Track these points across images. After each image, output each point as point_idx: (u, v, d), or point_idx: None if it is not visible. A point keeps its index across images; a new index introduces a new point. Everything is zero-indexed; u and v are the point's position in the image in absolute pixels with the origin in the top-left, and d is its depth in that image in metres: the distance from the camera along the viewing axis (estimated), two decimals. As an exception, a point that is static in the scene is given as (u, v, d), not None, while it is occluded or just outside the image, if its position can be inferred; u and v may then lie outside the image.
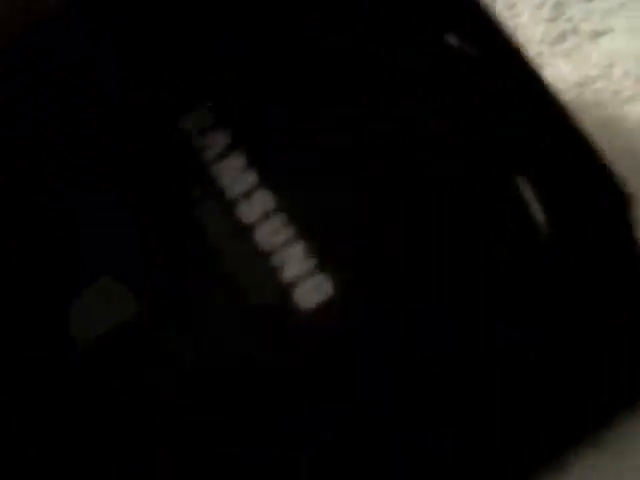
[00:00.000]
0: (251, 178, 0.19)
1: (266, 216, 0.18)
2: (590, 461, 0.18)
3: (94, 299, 0.18)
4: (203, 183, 0.19)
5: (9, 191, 0.19)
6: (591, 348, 0.18)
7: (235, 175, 0.19)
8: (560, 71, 0.24)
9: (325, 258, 0.18)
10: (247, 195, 0.18)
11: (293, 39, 0.20)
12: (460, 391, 0.17)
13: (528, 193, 0.18)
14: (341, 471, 0.17)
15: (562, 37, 0.24)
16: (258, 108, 0.19)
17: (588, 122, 0.22)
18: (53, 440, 0.17)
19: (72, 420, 0.17)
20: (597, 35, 0.24)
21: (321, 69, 0.19)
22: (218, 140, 0.19)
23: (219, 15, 0.20)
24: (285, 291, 0.18)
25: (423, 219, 0.18)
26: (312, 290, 0.18)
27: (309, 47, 0.19)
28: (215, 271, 0.18)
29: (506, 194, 0.18)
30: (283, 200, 0.18)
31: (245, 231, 0.18)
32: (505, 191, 0.18)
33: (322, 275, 0.18)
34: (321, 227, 0.18)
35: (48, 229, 0.19)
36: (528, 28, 0.24)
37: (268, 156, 0.19)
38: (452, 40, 0.19)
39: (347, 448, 0.17)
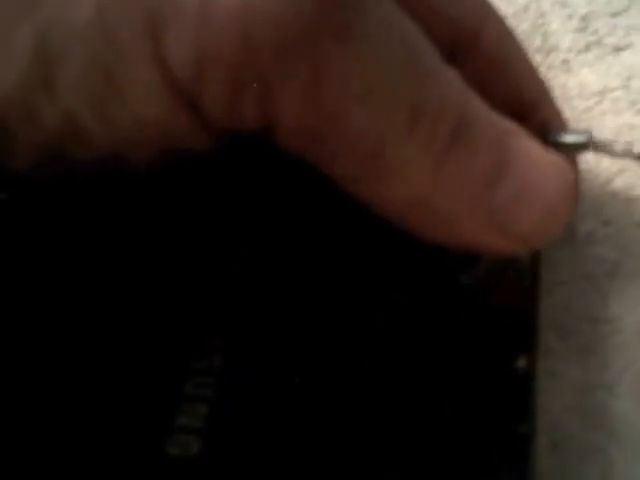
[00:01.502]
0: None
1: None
2: None
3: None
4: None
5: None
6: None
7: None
8: (583, 79, 0.26)
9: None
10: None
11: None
12: None
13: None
14: None
15: (587, 48, 0.26)
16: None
17: (606, 128, 0.25)
18: None
19: None
20: (619, 49, 0.26)
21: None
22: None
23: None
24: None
25: None
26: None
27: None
28: None
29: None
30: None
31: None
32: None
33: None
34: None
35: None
36: (557, 36, 0.26)
37: None
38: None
39: None
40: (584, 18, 0.26)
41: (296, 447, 0.19)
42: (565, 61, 0.26)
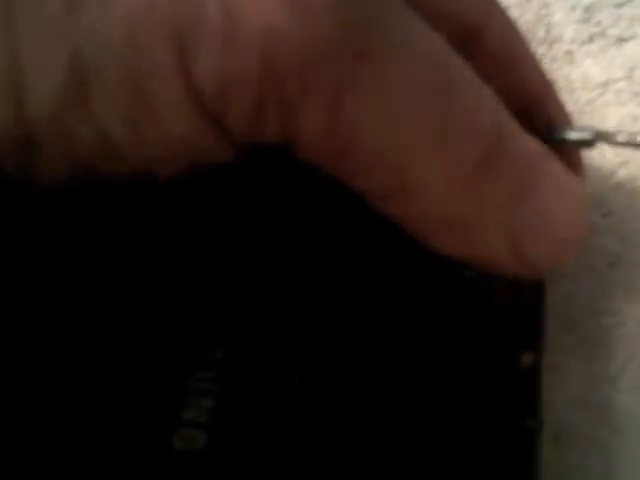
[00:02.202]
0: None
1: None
2: None
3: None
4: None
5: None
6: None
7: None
8: (586, 70, 0.26)
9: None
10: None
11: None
12: None
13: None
14: None
15: (591, 39, 0.26)
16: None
17: (609, 119, 0.25)
18: None
19: None
20: (623, 40, 0.26)
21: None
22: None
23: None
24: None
25: None
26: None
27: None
28: None
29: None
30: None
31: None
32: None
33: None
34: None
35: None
36: (560, 27, 0.26)
37: None
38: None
39: None
40: (588, 9, 0.26)
41: (298, 442, 0.19)
42: (568, 52, 0.26)
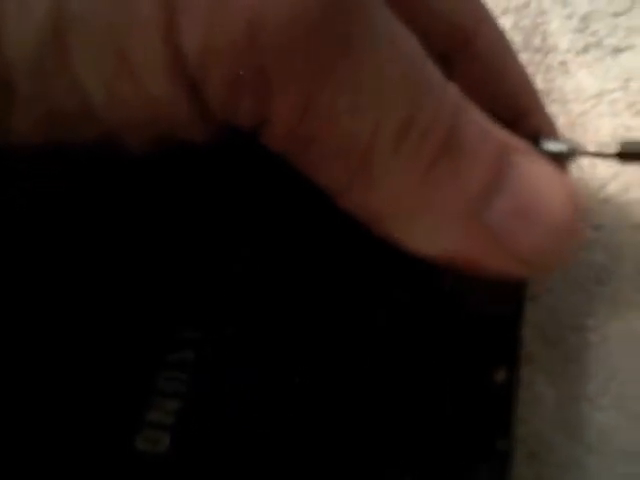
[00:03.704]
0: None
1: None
2: None
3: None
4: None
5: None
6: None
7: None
8: (581, 80, 0.25)
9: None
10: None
11: None
12: None
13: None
14: None
15: (586, 49, 0.25)
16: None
17: (603, 129, 0.24)
18: None
19: None
20: (619, 50, 0.25)
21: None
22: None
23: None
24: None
25: None
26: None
27: None
28: None
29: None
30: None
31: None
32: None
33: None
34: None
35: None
36: (556, 36, 0.26)
37: None
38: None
39: None
40: (584, 18, 0.26)
41: (267, 447, 0.19)
42: (563, 63, 0.25)
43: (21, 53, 0.15)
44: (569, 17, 0.26)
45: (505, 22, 0.26)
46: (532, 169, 0.17)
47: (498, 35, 0.21)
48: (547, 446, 0.21)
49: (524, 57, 0.26)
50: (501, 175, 0.16)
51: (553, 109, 0.25)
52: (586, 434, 0.21)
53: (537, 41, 0.26)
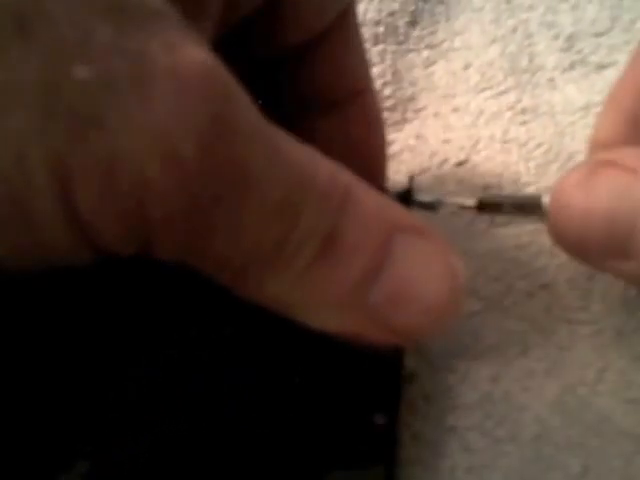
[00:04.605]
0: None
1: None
2: None
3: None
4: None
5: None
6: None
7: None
8: (568, 96, 0.27)
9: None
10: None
11: None
12: None
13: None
14: None
15: (572, 66, 0.27)
16: None
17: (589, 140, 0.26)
18: None
19: None
20: (603, 67, 0.27)
21: None
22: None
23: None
24: None
25: None
26: None
27: None
28: None
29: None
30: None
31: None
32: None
33: None
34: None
35: None
36: (543, 56, 0.27)
37: None
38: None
39: None
40: (569, 38, 0.27)
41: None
42: (551, 79, 0.27)
43: None
44: (555, 38, 0.27)
45: (494, 50, 0.28)
46: (412, 252, 0.18)
47: (377, 102, 0.24)
48: (549, 429, 0.21)
49: (511, 79, 0.27)
50: (380, 263, 0.18)
51: (543, 121, 0.26)
52: (587, 417, 0.21)
53: (525, 62, 0.27)
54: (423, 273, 0.18)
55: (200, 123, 0.15)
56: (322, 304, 0.18)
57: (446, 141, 0.27)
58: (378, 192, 0.18)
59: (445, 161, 0.26)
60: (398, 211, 0.18)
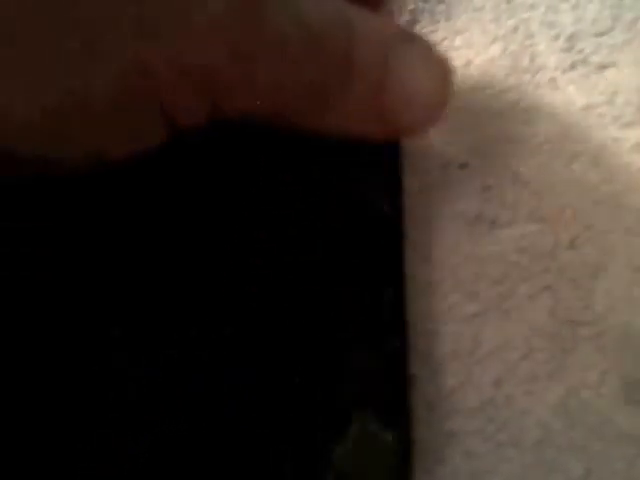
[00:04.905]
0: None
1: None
2: None
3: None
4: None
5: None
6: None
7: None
8: (569, 96, 0.26)
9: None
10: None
11: None
12: None
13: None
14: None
15: (573, 66, 0.27)
16: None
17: (591, 142, 0.26)
18: None
19: None
20: (604, 67, 0.27)
21: None
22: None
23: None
24: None
25: None
26: None
27: None
28: None
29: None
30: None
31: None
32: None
33: None
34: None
35: None
36: (544, 56, 0.27)
37: None
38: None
39: None
40: (570, 38, 0.27)
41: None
42: (552, 79, 0.27)
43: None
44: (556, 38, 0.27)
45: (495, 49, 0.28)
46: (409, 57, 0.21)
47: None
48: (552, 432, 0.21)
49: (513, 78, 0.27)
50: (387, 75, 0.21)
51: (545, 121, 0.26)
52: (589, 420, 0.21)
53: (526, 62, 0.27)
54: (421, 74, 0.21)
55: None
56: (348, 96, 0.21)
57: (446, 142, 0.27)
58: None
59: (446, 162, 0.26)
60: (392, 26, 0.22)
